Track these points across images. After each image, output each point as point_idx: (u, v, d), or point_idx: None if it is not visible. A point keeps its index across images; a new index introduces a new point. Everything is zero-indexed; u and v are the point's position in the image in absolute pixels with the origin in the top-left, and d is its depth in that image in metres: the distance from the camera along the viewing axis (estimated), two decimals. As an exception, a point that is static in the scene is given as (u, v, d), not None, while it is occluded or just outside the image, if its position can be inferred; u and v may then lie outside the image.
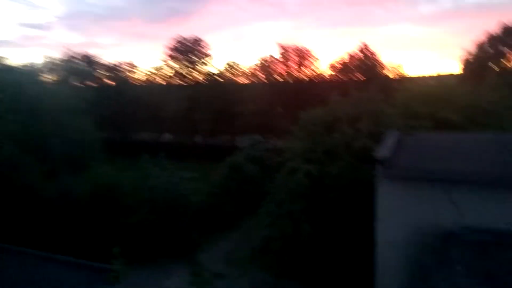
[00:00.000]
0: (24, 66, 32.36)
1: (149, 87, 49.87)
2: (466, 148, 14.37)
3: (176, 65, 48.57)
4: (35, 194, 20.60)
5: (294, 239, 16.88)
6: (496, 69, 42.47)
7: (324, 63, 43.24)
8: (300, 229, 16.83)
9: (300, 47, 42.43)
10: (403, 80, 35.30)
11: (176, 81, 49.21)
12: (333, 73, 43.01)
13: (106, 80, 51.25)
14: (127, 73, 52.20)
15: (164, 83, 49.50)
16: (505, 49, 46.18)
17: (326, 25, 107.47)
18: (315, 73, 42.86)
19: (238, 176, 25.56)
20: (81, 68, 48.34)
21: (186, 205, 21.43)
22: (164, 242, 20.03)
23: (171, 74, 49.26)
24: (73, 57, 48.37)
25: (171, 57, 48.35)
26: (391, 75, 41.07)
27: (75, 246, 18.97)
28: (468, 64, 47.36)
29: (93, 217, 19.82)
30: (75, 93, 30.84)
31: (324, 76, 43.20)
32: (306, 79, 41.93)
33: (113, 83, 50.37)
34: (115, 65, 51.30)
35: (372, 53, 41.35)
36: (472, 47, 47.96)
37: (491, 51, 46.83)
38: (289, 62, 42.54)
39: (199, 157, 40.76)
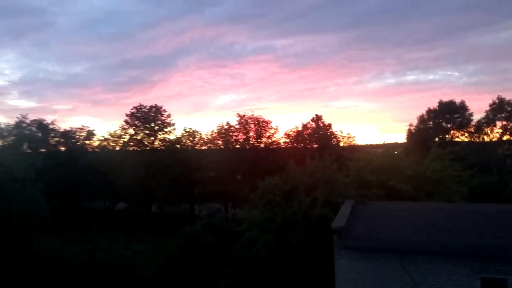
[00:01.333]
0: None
1: (105, 153, 48.57)
2: (416, 217, 14.96)
3: (133, 132, 48.28)
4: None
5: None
6: (437, 141, 46.10)
7: (280, 133, 44.90)
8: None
9: (257, 116, 44.09)
10: (354, 149, 37.15)
11: (133, 148, 48.58)
12: (288, 141, 44.62)
13: (59, 147, 49.56)
14: (82, 139, 50.90)
15: (121, 150, 48.61)
16: (444, 123, 50.79)
17: (283, 98, 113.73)
18: (272, 142, 44.20)
19: (196, 247, 24.60)
20: (33, 134, 46.70)
21: (137, 279, 20.09)
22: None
23: (128, 140, 48.70)
24: (25, 122, 46.83)
25: (130, 123, 48.17)
26: (343, 145, 43.21)
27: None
28: (411, 135, 51.22)
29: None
30: (25, 160, 29.43)
31: (280, 144, 44.62)
32: (263, 146, 43.03)
33: (66, 149, 48.69)
34: (69, 131, 50.09)
35: (324, 124, 43.70)
36: (415, 120, 52.36)
37: (432, 124, 51.28)
38: (247, 130, 43.76)
39: (154, 227, 39.12)
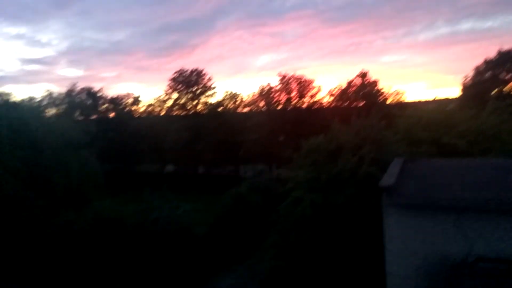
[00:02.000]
0: (27, 101, 32.83)
1: (151, 118, 50.37)
2: (471, 174, 14.23)
3: (177, 96, 49.23)
4: (39, 230, 20.41)
5: (301, 269, 16.49)
6: (495, 93, 42.94)
7: (324, 92, 43.70)
8: (306, 260, 16.47)
9: (299, 76, 43.10)
10: (403, 107, 35.52)
11: (177, 112, 49.72)
12: (332, 100, 43.46)
13: (108, 113, 51.82)
14: (129, 105, 52.82)
15: (165, 115, 49.99)
16: (503, 74, 46.91)
17: (326, 55, 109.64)
18: (315, 101, 43.28)
19: (242, 207, 25.30)
20: (83, 101, 48.99)
21: (189, 237, 21.10)
22: (169, 275, 19.60)
23: (172, 105, 49.84)
24: (75, 91, 49.14)
25: (172, 88, 49.07)
26: (391, 102, 41.42)
27: (79, 281, 18.61)
28: (467, 89, 47.92)
29: (96, 251, 19.50)
30: (78, 126, 31.04)
31: (324, 104, 43.62)
32: (306, 107, 42.29)
33: (115, 116, 50.90)
34: (117, 97, 52.03)
35: (371, 81, 41.90)
36: (470, 72, 48.78)
37: (489, 75, 47.56)
38: (288, 90, 43.06)
39: (202, 188, 40.59)
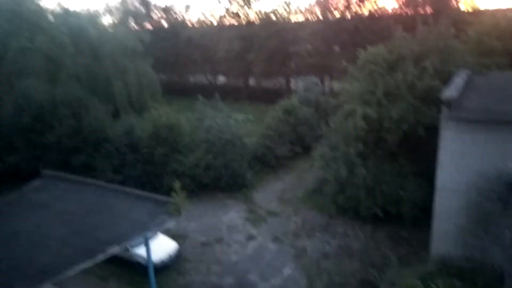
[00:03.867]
0: (83, 10, 33.32)
1: (203, 28, 49.52)
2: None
3: (229, 5, 47.37)
4: (102, 133, 22.15)
5: (348, 181, 16.82)
6: None
7: (387, -3, 39.57)
8: (354, 172, 16.67)
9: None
10: (477, 13, 31.62)
11: (230, 22, 48.26)
12: (397, 6, 39.49)
13: (161, 22, 51.60)
14: (182, 14, 52.01)
15: (218, 24, 48.82)
16: None
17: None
18: (377, 7, 39.62)
19: (292, 119, 25.40)
20: (137, 10, 48.83)
21: (241, 146, 21.92)
22: (220, 181, 20.95)
23: (225, 14, 48.30)
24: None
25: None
26: (463, 8, 36.87)
27: (139, 181, 20.52)
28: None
29: (154, 155, 21.03)
30: (133, 35, 31.40)
31: (387, 10, 39.84)
32: (367, 14, 38.97)
33: (168, 25, 50.63)
34: (169, 6, 51.20)
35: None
36: None
37: None
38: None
39: (253, 99, 40.86)
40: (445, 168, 11.58)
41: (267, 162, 23.74)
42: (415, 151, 16.39)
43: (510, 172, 10.56)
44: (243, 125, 22.77)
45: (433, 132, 13.14)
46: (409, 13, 36.04)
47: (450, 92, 11.48)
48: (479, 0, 37.84)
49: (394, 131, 15.60)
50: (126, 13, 46.70)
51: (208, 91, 27.45)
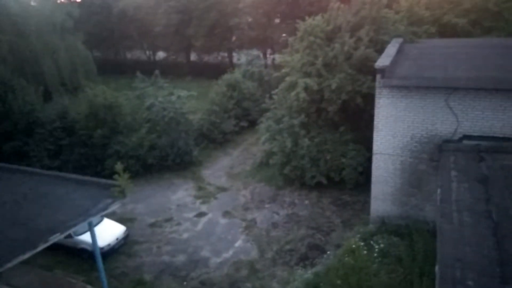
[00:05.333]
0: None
1: (138, 0, 46.87)
2: (468, 54, 13.93)
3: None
4: (33, 116, 20.60)
5: (293, 152, 17.24)
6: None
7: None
8: (299, 143, 17.11)
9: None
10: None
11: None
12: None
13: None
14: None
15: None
16: None
17: None
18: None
19: (236, 94, 25.28)
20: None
21: (185, 123, 21.51)
22: (166, 160, 20.53)
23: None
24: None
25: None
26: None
27: (78, 165, 19.54)
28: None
29: (92, 137, 20.04)
30: (60, 9, 28.98)
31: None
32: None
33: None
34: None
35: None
36: None
37: None
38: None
39: (195, 75, 39.99)
40: (381, 133, 12.22)
41: (213, 138, 23.60)
42: (354, 119, 17.14)
43: (439, 134, 11.40)
44: (187, 101, 22.18)
45: (370, 100, 13.74)
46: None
47: (383, 61, 11.98)
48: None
49: (334, 101, 16.12)
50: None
51: (147, 68, 26.40)
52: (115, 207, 11.01)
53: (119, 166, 11.05)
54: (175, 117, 20.91)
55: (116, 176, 10.91)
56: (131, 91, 23.44)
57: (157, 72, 23.10)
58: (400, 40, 15.43)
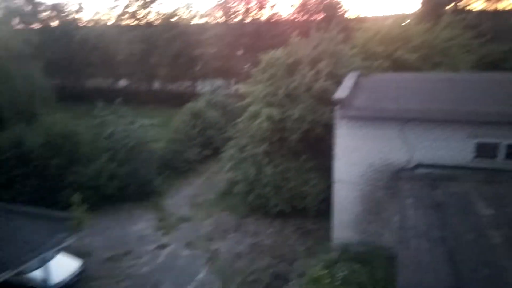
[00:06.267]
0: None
1: (100, 28, 46.45)
2: (419, 87, 14.88)
3: (128, 5, 45.25)
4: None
5: (257, 181, 17.34)
6: (451, 7, 43.10)
7: (284, 3, 41.84)
8: (262, 171, 17.26)
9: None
10: (362, 21, 35.15)
11: (129, 23, 46.15)
12: (293, 13, 41.97)
13: (50, 21, 47.14)
14: (75, 13, 48.10)
15: (115, 24, 46.28)
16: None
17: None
18: (274, 13, 41.59)
19: (200, 123, 25.31)
20: (21, 7, 43.91)
21: (147, 152, 21.14)
22: (126, 190, 19.94)
23: (122, 14, 45.97)
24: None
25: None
26: (350, 16, 40.66)
27: (31, 197, 18.54)
28: (425, 2, 47.77)
29: (48, 167, 19.19)
30: (19, 36, 28.14)
31: (284, 16, 42.08)
32: (266, 19, 40.66)
33: (59, 24, 46.44)
34: (59, 4, 46.99)
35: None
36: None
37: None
38: (248, 2, 40.84)
39: (158, 103, 39.70)
40: (340, 162, 12.65)
41: (176, 167, 23.28)
42: (316, 147, 17.60)
43: (395, 163, 11.95)
44: (149, 130, 21.90)
45: (330, 129, 14.23)
46: (303, 19, 38.53)
47: (340, 93, 12.57)
48: (363, 8, 42.01)
49: (295, 130, 16.55)
50: (8, 9, 41.68)
51: (109, 96, 25.87)
52: (70, 241, 10.53)
53: (76, 198, 10.66)
54: (136, 146, 20.54)
55: (72, 208, 10.48)
56: (91, 119, 22.84)
57: (118, 100, 22.74)
58: (356, 73, 16.27)
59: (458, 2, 45.55)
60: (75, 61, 43.63)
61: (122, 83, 47.72)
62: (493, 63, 27.82)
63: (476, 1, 47.40)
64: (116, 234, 17.45)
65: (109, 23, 47.47)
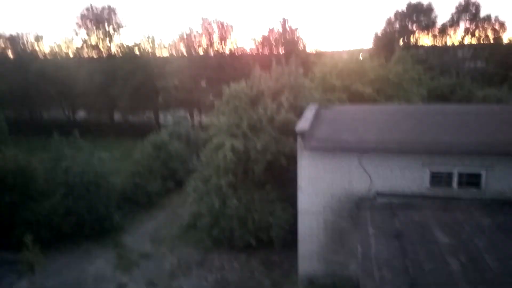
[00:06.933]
0: None
1: (58, 60, 45.49)
2: (376, 119, 15.55)
3: (86, 36, 44.83)
4: None
5: (222, 213, 17.10)
6: (402, 43, 46.31)
7: (246, 38, 43.27)
8: (227, 204, 17.07)
9: (222, 21, 41.79)
10: (320, 55, 36.79)
11: (89, 54, 45.59)
12: (254, 47, 43.35)
13: (5, 52, 45.66)
14: (32, 44, 46.91)
15: (75, 56, 45.57)
16: (410, 25, 50.66)
17: (248, 1, 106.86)
18: (237, 47, 42.71)
19: (163, 154, 24.89)
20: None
21: (106, 186, 20.38)
22: (84, 226, 18.99)
23: (82, 46, 45.42)
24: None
25: (81, 26, 44.41)
26: (309, 50, 42.50)
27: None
28: (378, 39, 51.07)
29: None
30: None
31: (246, 50, 43.31)
32: (228, 52, 41.61)
33: (15, 56, 45.06)
34: (16, 36, 45.77)
35: (291, 29, 42.27)
36: (383, 24, 51.80)
37: (399, 26, 50.97)
38: (210, 35, 41.73)
39: (119, 135, 38.86)
40: (304, 192, 12.79)
41: (137, 201, 22.55)
42: (280, 178, 17.72)
43: (356, 193, 12.23)
44: (109, 163, 21.21)
45: (293, 160, 14.45)
46: (265, 52, 39.83)
47: (302, 125, 12.88)
48: (321, 43, 44.14)
49: (259, 161, 16.64)
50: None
51: (66, 128, 25.02)
52: (21, 285, 9.78)
53: (28, 238, 10.00)
54: (94, 180, 19.76)
55: (24, 249, 9.81)
56: (47, 153, 21.85)
57: (76, 132, 21.99)
58: (316, 105, 16.81)
59: (408, 39, 49.05)
60: (32, 93, 42.21)
61: (81, 115, 46.49)
62: (442, 95, 29.82)
63: (424, 38, 51.44)
64: (72, 275, 16.38)
65: (68, 54, 46.68)
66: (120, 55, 43.46)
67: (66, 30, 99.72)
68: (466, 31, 49.66)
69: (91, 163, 20.04)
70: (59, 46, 47.05)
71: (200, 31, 41.74)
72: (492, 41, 48.60)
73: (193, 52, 41.43)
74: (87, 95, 39.76)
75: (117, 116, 44.44)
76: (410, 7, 50.35)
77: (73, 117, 46.44)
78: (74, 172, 19.51)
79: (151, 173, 23.61)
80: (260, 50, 42.32)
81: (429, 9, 50.09)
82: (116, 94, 39.30)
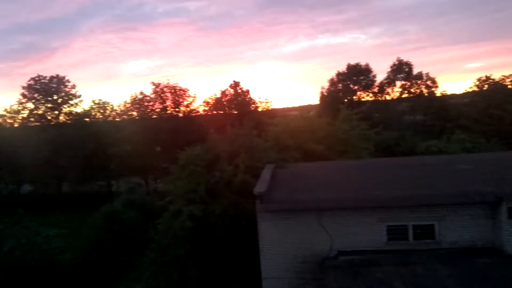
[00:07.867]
0: None
1: (2, 130, 43.37)
2: (328, 176, 15.96)
3: (33, 106, 43.49)
4: None
5: (182, 286, 16.16)
6: (346, 102, 49.40)
7: (199, 100, 44.20)
8: (187, 275, 16.23)
9: (174, 85, 42.55)
10: (272, 114, 38.12)
11: (35, 124, 43.97)
12: (208, 109, 44.22)
13: None
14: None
15: (20, 127, 43.75)
16: (351, 85, 54.60)
17: (200, 63, 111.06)
18: (190, 110, 43.30)
19: (116, 226, 23.60)
20: None
21: (53, 266, 18.78)
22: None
23: (28, 116, 43.87)
24: None
25: (28, 97, 43.18)
26: (261, 110, 44.01)
27: None
28: (323, 98, 54.27)
29: None
30: None
31: (199, 112, 44.01)
32: (182, 116, 41.99)
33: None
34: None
35: (243, 90, 43.90)
36: (326, 83, 55.43)
37: (341, 86, 54.72)
38: (163, 99, 42.15)
39: (68, 208, 36.59)
40: (266, 256, 12.49)
41: (87, 280, 20.79)
42: (242, 242, 17.26)
43: (318, 253, 12.15)
44: (56, 240, 19.74)
45: (254, 222, 14.24)
46: (218, 114, 40.68)
47: (260, 187, 12.92)
48: (271, 100, 45.59)
49: (219, 226, 16.25)
50: None
51: (9, 204, 23.35)
52: None
53: None
54: (40, 260, 18.19)
55: None
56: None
57: (21, 210, 20.53)
58: (272, 166, 17.07)
59: (351, 96, 52.53)
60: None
61: (27, 188, 43.67)
62: (388, 148, 31.59)
63: (367, 95, 55.37)
64: None
65: (13, 125, 44.78)
66: (70, 123, 42.40)
67: (12, 99, 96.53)
68: (403, 87, 54.11)
69: (36, 242, 18.56)
70: (2, 116, 45.16)
71: (153, 95, 42.05)
72: (427, 95, 53.01)
73: (145, 116, 41.37)
74: (34, 167, 37.68)
75: (65, 187, 42.21)
76: (350, 68, 54.51)
77: (17, 191, 43.47)
78: (18, 254, 17.91)
79: (103, 248, 22.12)
80: (214, 112, 43.21)
81: (367, 70, 54.41)
82: (65, 164, 37.66)
